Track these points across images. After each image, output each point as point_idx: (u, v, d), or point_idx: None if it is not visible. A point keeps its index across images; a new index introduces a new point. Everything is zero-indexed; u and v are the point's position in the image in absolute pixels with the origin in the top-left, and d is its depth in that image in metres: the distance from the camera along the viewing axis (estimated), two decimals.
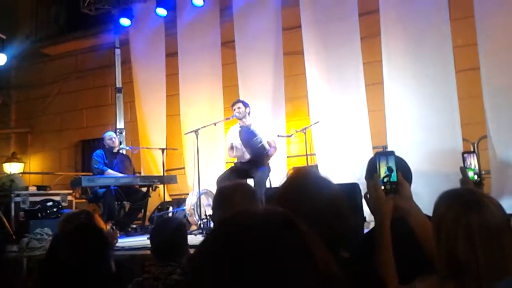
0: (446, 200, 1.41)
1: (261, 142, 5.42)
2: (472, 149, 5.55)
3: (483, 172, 5.44)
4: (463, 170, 2.00)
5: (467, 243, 1.30)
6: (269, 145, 5.53)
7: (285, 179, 1.61)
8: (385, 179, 1.67)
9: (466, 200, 1.36)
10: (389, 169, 1.68)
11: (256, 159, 5.47)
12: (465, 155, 2.08)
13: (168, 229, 2.49)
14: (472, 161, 2.05)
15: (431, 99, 5.42)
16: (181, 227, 2.57)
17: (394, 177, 1.66)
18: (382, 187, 1.65)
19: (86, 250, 1.73)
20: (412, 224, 1.62)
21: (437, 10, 5.45)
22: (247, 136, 5.54)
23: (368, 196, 1.67)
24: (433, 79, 5.42)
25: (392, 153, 1.74)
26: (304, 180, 1.54)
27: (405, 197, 1.64)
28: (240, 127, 5.66)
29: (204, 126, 5.60)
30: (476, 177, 2.03)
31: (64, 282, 1.72)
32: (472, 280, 1.27)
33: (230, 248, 0.74)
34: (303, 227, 0.79)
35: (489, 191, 5.20)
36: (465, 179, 1.95)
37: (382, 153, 1.71)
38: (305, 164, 5.65)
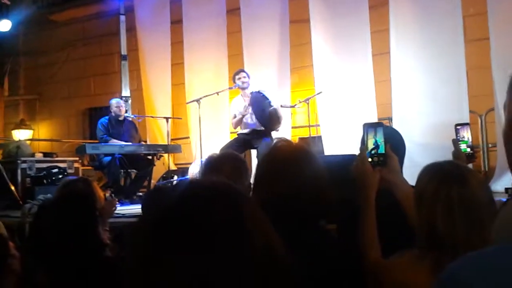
0: (428, 173, 1.38)
1: (272, 106, 5.21)
2: (479, 121, 5.46)
3: (490, 145, 5.38)
4: (455, 142, 1.96)
5: (446, 216, 1.28)
6: None
7: (267, 151, 1.59)
8: (373, 151, 1.64)
9: (447, 174, 1.33)
10: (377, 141, 1.64)
11: (265, 124, 5.33)
12: (458, 127, 2.04)
13: (158, 197, 2.49)
14: (465, 134, 2.01)
15: (439, 70, 5.31)
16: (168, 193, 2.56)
17: (382, 149, 1.63)
18: (369, 159, 1.62)
19: (68, 218, 1.73)
20: (398, 197, 1.60)
21: None
22: (258, 100, 5.30)
23: (355, 168, 1.65)
24: (442, 49, 5.29)
25: (380, 124, 1.70)
26: (284, 154, 1.52)
27: (392, 169, 1.61)
28: (250, 93, 5.53)
29: (206, 95, 5.55)
30: (468, 149, 1.99)
31: (47, 249, 1.72)
32: (450, 254, 1.24)
33: (163, 216, 0.74)
34: (248, 204, 0.76)
35: (495, 164, 5.15)
36: (457, 151, 1.92)
37: (370, 125, 1.68)
38: (308, 135, 5.60)
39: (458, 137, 1.98)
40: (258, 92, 5.32)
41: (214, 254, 0.68)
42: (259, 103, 5.27)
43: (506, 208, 1.49)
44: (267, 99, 5.22)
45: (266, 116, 5.25)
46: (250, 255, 0.70)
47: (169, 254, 0.69)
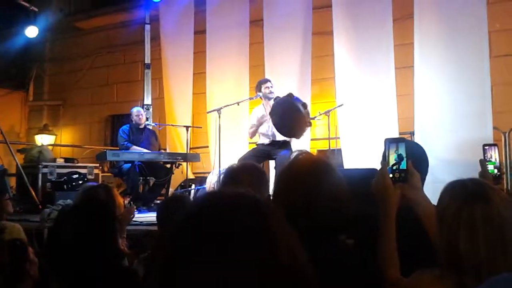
0: (451, 191, 1.34)
1: (306, 105, 4.96)
2: (503, 138, 5.35)
3: (510, 163, 5.26)
4: (483, 162, 1.91)
5: (468, 235, 1.23)
6: None
7: (287, 163, 1.57)
8: (394, 167, 1.61)
9: (470, 192, 1.29)
10: (399, 157, 1.61)
11: (291, 126, 5.00)
12: (486, 147, 1.99)
13: (173, 206, 2.49)
14: (493, 154, 1.96)
15: (463, 85, 5.23)
16: (186, 205, 2.56)
17: (403, 165, 1.60)
18: (391, 175, 1.59)
19: (88, 225, 1.72)
20: (419, 214, 1.56)
21: None
22: (288, 100, 4.94)
23: (375, 183, 1.61)
24: (466, 64, 5.21)
25: (402, 139, 1.66)
26: (304, 166, 1.50)
27: (413, 186, 1.57)
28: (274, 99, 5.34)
29: (226, 105, 5.55)
30: (496, 170, 1.94)
31: (65, 255, 1.72)
32: (472, 275, 1.20)
33: (192, 226, 0.74)
34: (272, 214, 0.76)
35: None
36: (483, 172, 1.87)
37: (392, 140, 1.64)
38: (328, 148, 5.55)
39: (486, 157, 1.94)
40: (289, 93, 5.03)
41: (237, 262, 0.68)
42: (289, 103, 4.94)
43: None
44: (300, 100, 4.99)
45: (295, 118, 4.91)
46: (274, 265, 0.69)
47: (193, 261, 0.69)
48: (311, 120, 5.43)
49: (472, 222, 1.24)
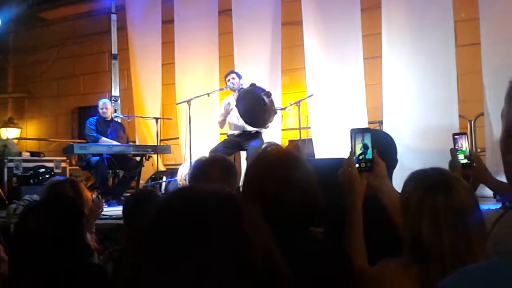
0: (413, 181, 1.36)
1: (271, 95, 4.96)
2: (468, 126, 5.47)
3: (478, 150, 5.39)
4: (453, 152, 1.94)
5: (432, 225, 1.25)
6: None
7: (256, 155, 1.57)
8: (360, 157, 1.62)
9: (433, 181, 1.31)
10: (365, 146, 1.63)
11: (257, 117, 5.10)
12: (456, 136, 2.01)
13: (139, 200, 2.46)
14: (463, 143, 1.99)
15: (430, 74, 5.32)
16: (153, 199, 2.52)
17: (369, 155, 1.61)
18: (357, 165, 1.60)
19: (55, 221, 1.69)
20: (385, 203, 1.58)
21: None
22: (249, 94, 5.04)
23: (341, 174, 1.63)
24: (433, 53, 5.30)
25: (368, 129, 1.68)
26: (272, 158, 1.49)
27: (379, 175, 1.59)
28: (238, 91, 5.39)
29: (197, 96, 5.50)
30: (466, 160, 1.97)
31: (32, 252, 1.68)
32: (437, 263, 1.22)
33: (162, 221, 0.72)
34: (248, 214, 0.74)
35: None
36: (453, 162, 1.91)
37: (358, 130, 1.66)
38: (299, 138, 5.58)
39: (457, 146, 1.97)
40: (252, 84, 5.13)
41: (211, 258, 0.66)
42: (253, 94, 5.03)
43: (504, 221, 1.48)
44: (264, 89, 5.02)
45: (260, 108, 4.99)
46: (247, 264, 0.68)
47: (162, 258, 0.67)
48: (279, 110, 5.47)
49: (435, 211, 1.26)
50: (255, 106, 4.93)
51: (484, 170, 1.98)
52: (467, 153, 1.97)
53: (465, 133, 2.06)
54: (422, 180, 1.34)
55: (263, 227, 0.76)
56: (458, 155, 1.97)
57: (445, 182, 1.30)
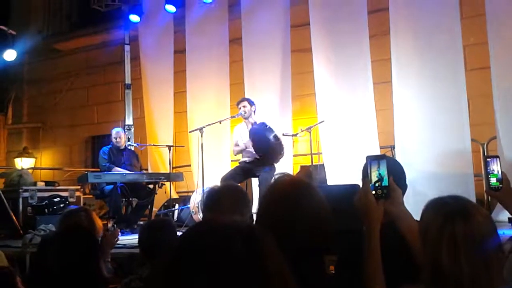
0: (432, 209, 1.37)
1: (279, 139, 5.18)
2: (481, 150, 5.44)
3: None
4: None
5: (451, 253, 1.26)
6: None
7: (269, 186, 1.59)
8: (376, 184, 1.63)
9: (452, 209, 1.32)
10: (381, 173, 1.64)
11: (265, 156, 5.32)
12: (488, 159, 1.99)
13: (155, 229, 2.47)
14: (495, 167, 1.96)
15: (440, 99, 5.32)
16: (170, 227, 2.55)
17: (385, 182, 1.62)
18: (373, 192, 1.61)
19: (72, 252, 1.71)
20: (402, 230, 1.58)
21: (448, 8, 5.34)
22: (260, 133, 5.24)
23: (358, 201, 1.63)
24: (443, 78, 5.32)
25: (383, 157, 1.69)
26: (285, 187, 1.52)
27: (396, 202, 1.60)
28: (252, 124, 5.54)
29: (209, 124, 5.56)
30: (498, 183, 1.94)
31: (51, 283, 1.70)
32: None
33: (185, 256, 0.74)
34: (267, 246, 0.76)
35: None
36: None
37: (374, 157, 1.67)
38: (310, 164, 5.59)
39: (489, 170, 1.94)
40: (262, 124, 5.29)
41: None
42: (260, 137, 5.22)
43: None
44: (272, 131, 5.18)
45: (267, 149, 5.23)
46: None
47: None
48: (291, 138, 5.61)
49: (454, 239, 1.26)
50: (263, 147, 5.21)
51: (509, 195, 1.94)
52: (499, 176, 1.95)
53: (497, 156, 2.02)
54: (441, 208, 1.35)
55: (280, 256, 0.78)
56: (491, 178, 1.94)
57: (464, 210, 1.31)
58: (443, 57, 5.34)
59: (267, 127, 5.20)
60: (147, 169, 7.36)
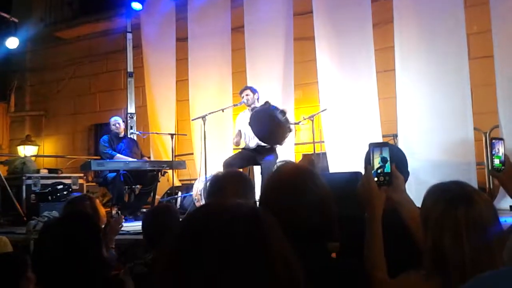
0: (434, 194, 1.38)
1: (285, 113, 4.97)
2: (483, 139, 5.44)
3: None
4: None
5: (453, 238, 1.27)
6: None
7: (272, 172, 1.60)
8: (379, 171, 1.64)
9: (454, 195, 1.33)
10: (383, 160, 1.65)
11: (267, 139, 5.21)
12: (494, 141, 2.00)
13: (158, 215, 2.50)
14: (500, 148, 1.98)
15: (443, 87, 5.32)
16: (172, 214, 2.57)
17: (388, 169, 1.63)
18: (376, 179, 1.62)
19: (72, 238, 1.72)
20: (404, 216, 1.60)
21: None
22: (261, 114, 5.06)
23: (360, 187, 1.65)
24: (446, 66, 5.30)
25: (386, 144, 1.70)
26: (288, 174, 1.53)
27: (398, 189, 1.61)
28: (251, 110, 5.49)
29: (211, 112, 5.56)
30: (501, 165, 1.96)
31: (52, 268, 1.71)
32: (458, 276, 1.24)
33: (190, 238, 0.75)
34: (270, 226, 0.77)
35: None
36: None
37: (376, 144, 1.68)
38: (312, 152, 5.59)
39: (494, 152, 1.96)
40: (265, 104, 5.12)
41: (237, 274, 0.70)
42: (260, 116, 5.06)
43: None
44: (277, 108, 4.99)
45: (273, 127, 5.01)
46: (270, 275, 0.71)
47: (195, 274, 0.70)
48: (293, 125, 5.52)
49: (456, 224, 1.28)
50: (269, 124, 4.96)
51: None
52: (502, 158, 1.96)
53: (502, 139, 2.04)
54: (443, 193, 1.36)
55: (284, 238, 0.79)
56: (494, 159, 1.96)
57: (466, 195, 1.32)
58: (446, 46, 5.32)
59: (272, 105, 5.06)
60: (149, 157, 7.37)
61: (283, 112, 4.95)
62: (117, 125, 6.37)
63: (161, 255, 0.80)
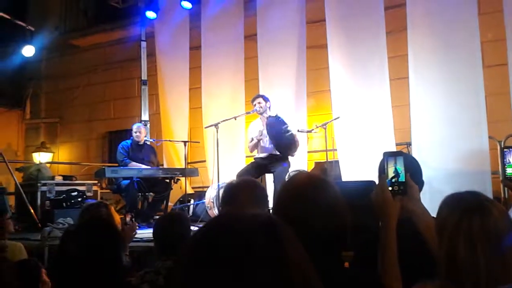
0: (449, 204, 1.37)
1: (290, 131, 5.23)
2: (498, 147, 5.39)
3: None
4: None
5: (467, 248, 1.26)
6: None
7: (286, 182, 1.61)
8: (393, 180, 1.63)
9: (469, 205, 1.32)
10: (398, 170, 1.64)
11: (281, 150, 5.34)
12: (506, 150, 1.99)
13: (170, 223, 2.51)
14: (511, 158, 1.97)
15: (457, 95, 5.28)
16: (183, 221, 2.58)
17: (402, 178, 1.63)
18: (390, 188, 1.62)
19: (94, 244, 1.75)
20: (419, 226, 1.59)
21: (465, 3, 5.30)
22: (275, 125, 5.30)
23: (375, 196, 1.64)
24: (460, 74, 5.27)
25: (400, 153, 1.70)
26: (301, 183, 1.53)
27: (412, 198, 1.60)
28: (266, 118, 5.57)
29: (224, 120, 5.59)
30: None
31: (73, 275, 1.73)
32: (472, 286, 1.23)
33: (206, 249, 0.74)
34: (287, 237, 0.77)
35: None
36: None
37: (391, 153, 1.67)
38: (325, 160, 5.59)
39: (505, 161, 1.95)
40: (275, 117, 5.34)
41: (256, 279, 0.69)
42: (275, 128, 5.26)
43: None
44: (285, 123, 5.23)
45: (282, 141, 5.25)
46: (290, 278, 0.71)
47: (209, 286, 0.69)
48: (304, 134, 5.63)
49: (470, 234, 1.27)
50: (279, 138, 5.23)
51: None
52: None
53: None
54: (458, 203, 1.35)
55: (302, 249, 0.78)
56: (507, 169, 1.94)
57: (481, 205, 1.31)
58: (460, 54, 5.29)
59: (279, 119, 5.27)
60: (162, 165, 7.42)
61: (286, 130, 5.21)
62: (138, 132, 6.42)
63: (177, 265, 0.80)
